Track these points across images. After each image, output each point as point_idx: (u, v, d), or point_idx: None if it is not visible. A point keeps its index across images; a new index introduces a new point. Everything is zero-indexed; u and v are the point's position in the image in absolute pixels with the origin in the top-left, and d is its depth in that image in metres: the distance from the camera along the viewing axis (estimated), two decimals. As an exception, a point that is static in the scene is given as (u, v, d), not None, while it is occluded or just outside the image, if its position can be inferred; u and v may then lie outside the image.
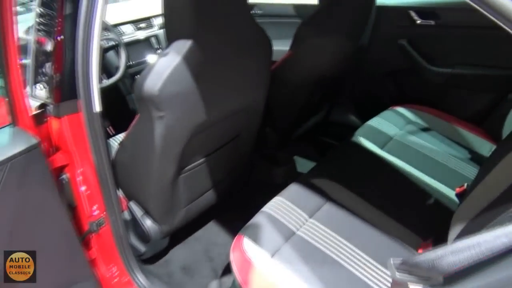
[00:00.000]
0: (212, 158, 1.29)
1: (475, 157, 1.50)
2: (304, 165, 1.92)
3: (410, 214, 1.20)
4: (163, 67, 0.94)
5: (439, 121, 1.66)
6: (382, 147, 1.49)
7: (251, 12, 2.32)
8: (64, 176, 0.99)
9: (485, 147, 1.55)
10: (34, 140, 0.82)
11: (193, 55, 0.95)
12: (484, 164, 1.16)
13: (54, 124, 0.92)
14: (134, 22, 1.91)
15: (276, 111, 1.64)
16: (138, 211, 1.28)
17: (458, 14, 1.62)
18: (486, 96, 1.64)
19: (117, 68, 1.67)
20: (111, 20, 1.81)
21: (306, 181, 1.26)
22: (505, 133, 1.46)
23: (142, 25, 1.94)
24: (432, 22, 1.69)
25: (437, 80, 1.74)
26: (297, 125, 1.78)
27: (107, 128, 1.72)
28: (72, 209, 1.04)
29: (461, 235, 0.93)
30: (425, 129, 1.62)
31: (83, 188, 1.02)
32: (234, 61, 1.09)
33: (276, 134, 1.71)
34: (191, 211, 1.34)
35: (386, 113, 1.69)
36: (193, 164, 1.22)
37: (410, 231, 1.13)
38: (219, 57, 1.04)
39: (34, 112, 0.87)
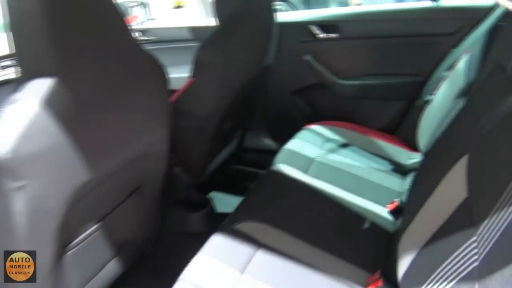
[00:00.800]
0: (109, 220, 1.03)
1: (396, 167, 1.45)
2: (223, 202, 1.72)
3: (349, 245, 1.08)
4: (15, 117, 0.68)
5: (356, 134, 1.60)
6: (305, 171, 1.36)
7: (139, 38, 2.11)
8: None
9: (403, 156, 1.52)
10: None
11: (59, 98, 0.71)
12: (416, 179, 1.08)
13: None
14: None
15: (184, 148, 1.43)
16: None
17: (359, 25, 1.60)
18: (396, 104, 1.64)
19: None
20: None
21: (229, 228, 1.07)
22: (420, 139, 1.44)
23: (7, 63, 1.59)
24: (334, 35, 1.65)
25: (347, 93, 1.69)
26: (209, 159, 1.58)
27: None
28: None
29: (413, 269, 0.82)
30: (343, 145, 1.55)
31: None
32: (120, 98, 0.87)
33: (187, 174, 1.49)
34: None
35: (302, 134, 1.59)
36: (82, 235, 0.95)
37: (354, 265, 1.00)
38: (98, 97, 0.80)
39: None
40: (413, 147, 1.54)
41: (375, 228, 1.15)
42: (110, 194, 1.00)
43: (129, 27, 0.91)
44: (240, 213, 1.18)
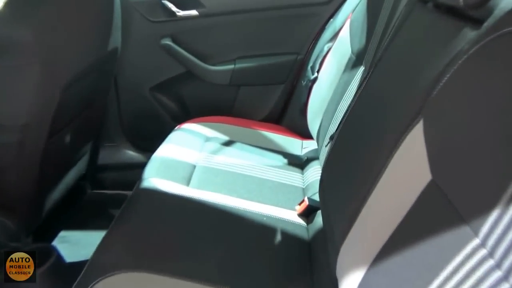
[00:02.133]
0: None
1: (292, 160, 1.23)
2: (82, 244, 1.26)
3: (263, 271, 0.80)
4: None
5: (238, 129, 1.33)
6: (186, 182, 1.03)
7: None
8: None
9: (295, 146, 1.32)
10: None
11: None
12: (330, 170, 0.85)
13: None
14: None
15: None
16: None
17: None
18: (278, 89, 1.42)
19: None
20: None
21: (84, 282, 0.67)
22: (311, 124, 1.25)
23: None
24: (195, 12, 1.34)
25: (220, 81, 1.41)
26: (45, 190, 1.10)
27: None
28: None
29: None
30: (228, 143, 1.26)
31: None
32: None
33: (9, 216, 0.99)
34: None
35: (174, 136, 1.25)
36: None
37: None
38: None
39: None
40: (304, 134, 1.36)
41: (290, 239, 0.90)
42: None
43: None
44: (100, 262, 0.78)
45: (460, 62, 0.47)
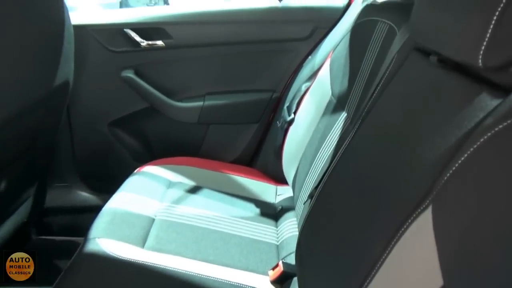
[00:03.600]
0: None
1: (266, 209, 1.10)
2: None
3: None
4: None
5: (207, 172, 1.20)
6: (143, 242, 0.88)
7: None
8: None
9: (269, 192, 1.19)
10: None
11: None
12: (305, 236, 0.72)
13: None
14: None
15: None
16: None
17: (192, 29, 1.22)
18: (251, 128, 1.31)
19: None
20: None
21: None
22: (286, 169, 1.14)
23: None
24: (161, 43, 1.22)
25: (188, 119, 1.28)
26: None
27: None
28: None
29: None
30: (193, 190, 1.12)
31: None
32: None
33: None
34: None
35: (133, 181, 1.10)
36: None
37: None
38: None
39: None
40: (278, 179, 1.24)
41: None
42: None
43: None
44: None
45: (483, 139, 0.37)
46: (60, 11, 1.00)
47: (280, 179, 1.22)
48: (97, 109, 1.29)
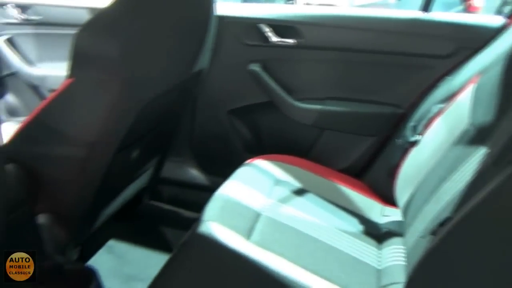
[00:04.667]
0: None
1: (368, 228, 1.06)
2: (126, 260, 1.20)
3: None
4: None
5: (314, 177, 1.19)
6: (248, 235, 0.91)
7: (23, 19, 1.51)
8: None
9: (375, 210, 1.14)
10: None
11: None
12: (418, 275, 0.68)
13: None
14: None
15: (60, 187, 0.89)
16: None
17: (327, 31, 1.21)
18: (367, 141, 1.26)
19: None
20: None
21: None
22: (399, 191, 1.08)
23: None
24: (292, 41, 1.23)
25: (304, 120, 1.28)
26: (103, 204, 1.04)
27: None
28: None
29: None
30: (299, 192, 1.12)
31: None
32: None
33: (63, 225, 0.94)
34: None
35: (243, 172, 1.14)
36: None
37: None
38: None
39: None
40: (386, 198, 1.18)
41: None
42: None
43: None
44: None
45: None
46: (209, 1, 1.06)
47: (388, 199, 1.16)
48: (220, 96, 1.36)
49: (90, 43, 0.75)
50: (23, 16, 1.44)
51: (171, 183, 1.50)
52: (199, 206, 0.99)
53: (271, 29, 1.24)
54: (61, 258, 0.93)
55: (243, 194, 1.03)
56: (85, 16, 1.40)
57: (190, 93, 1.21)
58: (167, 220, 1.47)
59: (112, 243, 1.31)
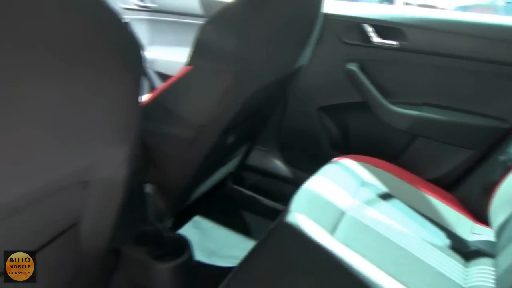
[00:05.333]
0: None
1: (456, 244, 1.02)
2: (209, 235, 1.29)
3: None
4: None
5: (402, 183, 1.17)
6: (332, 231, 0.93)
7: (141, 6, 1.66)
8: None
9: (465, 227, 1.09)
10: None
11: None
12: None
13: None
14: None
15: (166, 164, 0.99)
16: None
17: (433, 36, 1.17)
18: (462, 153, 1.20)
19: None
20: None
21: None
22: (493, 212, 1.02)
23: None
24: (395, 43, 1.21)
25: (398, 124, 1.26)
26: (199, 181, 1.14)
27: None
28: None
29: None
30: (386, 196, 1.11)
31: None
32: (36, 87, 0.42)
33: (164, 197, 1.05)
34: None
35: (330, 169, 1.16)
36: None
37: None
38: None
39: None
40: (478, 216, 1.12)
41: None
42: (15, 239, 0.56)
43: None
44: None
45: None
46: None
47: (480, 217, 1.11)
48: (312, 92, 1.38)
49: (212, 36, 0.82)
50: (142, 3, 1.60)
51: (255, 171, 1.57)
52: (278, 196, 1.04)
53: (374, 29, 1.23)
54: (160, 225, 1.04)
55: (329, 191, 1.05)
56: (195, 6, 1.51)
57: (286, 88, 1.25)
58: (247, 205, 1.55)
59: (197, 219, 1.42)
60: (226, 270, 0.84)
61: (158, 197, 1.05)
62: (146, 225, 1.00)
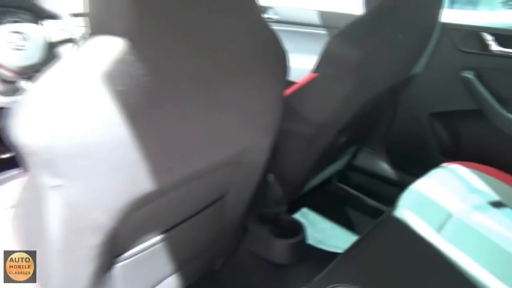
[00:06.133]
0: (175, 233, 0.80)
1: None
2: (315, 226, 1.42)
3: None
4: (62, 92, 0.46)
5: (514, 192, 1.16)
6: (438, 229, 0.99)
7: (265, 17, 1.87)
8: None
9: None
10: None
11: (124, 75, 0.47)
12: None
13: None
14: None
15: (286, 155, 1.15)
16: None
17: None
18: None
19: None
20: (74, 8, 1.35)
21: (324, 283, 0.78)
22: None
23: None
24: (516, 52, 1.20)
25: (513, 133, 1.24)
26: (312, 174, 1.28)
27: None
28: None
29: None
30: (495, 204, 1.12)
31: None
32: (213, 90, 0.61)
33: (282, 186, 1.22)
34: None
35: (439, 174, 1.20)
36: (137, 248, 0.73)
37: None
38: (181, 84, 0.55)
39: None
40: None
41: None
42: (181, 204, 0.77)
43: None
44: (343, 265, 0.87)
45: None
46: (438, 8, 1.15)
47: None
48: (424, 98, 1.42)
49: (338, 48, 0.96)
50: (265, 15, 1.80)
51: (361, 171, 1.65)
52: (382, 197, 1.11)
53: (494, 37, 1.24)
54: (278, 210, 1.21)
55: (437, 193, 1.10)
56: (314, 18, 1.66)
57: (397, 94, 1.32)
58: (351, 202, 1.64)
59: (305, 210, 1.56)
60: (334, 255, 0.95)
61: (276, 185, 1.23)
62: (267, 207, 1.18)
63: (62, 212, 0.51)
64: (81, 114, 0.45)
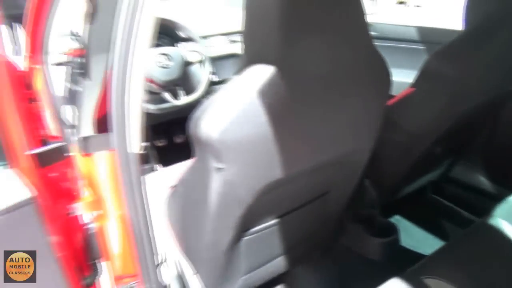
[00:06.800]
0: (288, 219, 0.98)
1: None
2: (408, 233, 1.49)
3: None
4: (231, 101, 0.67)
5: None
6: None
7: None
8: (92, 226, 0.76)
9: None
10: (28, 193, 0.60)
11: (275, 89, 0.66)
12: None
13: (81, 162, 0.69)
14: (228, 34, 1.70)
15: (382, 162, 1.26)
16: (187, 270, 1.01)
17: None
18: None
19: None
20: (202, 31, 1.63)
21: (415, 278, 0.88)
22: None
23: (236, 38, 1.72)
24: None
25: None
26: (406, 182, 1.36)
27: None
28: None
29: None
30: None
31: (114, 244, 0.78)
32: (335, 96, 0.78)
33: (377, 191, 1.32)
34: (252, 279, 1.04)
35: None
36: (260, 227, 0.92)
37: None
38: (312, 91, 0.73)
39: (39, 150, 0.65)
40: None
41: None
42: (295, 194, 0.94)
43: (366, 23, 0.79)
44: (434, 262, 0.96)
45: None
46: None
47: None
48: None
49: (437, 66, 1.05)
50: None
51: (456, 184, 1.66)
52: (478, 210, 1.12)
53: None
54: (373, 212, 1.32)
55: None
56: (412, 33, 1.73)
57: (500, 107, 1.34)
58: (445, 214, 1.66)
59: (397, 217, 1.63)
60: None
61: (371, 189, 1.34)
62: (363, 208, 1.30)
63: (221, 188, 0.71)
64: (243, 117, 0.65)
